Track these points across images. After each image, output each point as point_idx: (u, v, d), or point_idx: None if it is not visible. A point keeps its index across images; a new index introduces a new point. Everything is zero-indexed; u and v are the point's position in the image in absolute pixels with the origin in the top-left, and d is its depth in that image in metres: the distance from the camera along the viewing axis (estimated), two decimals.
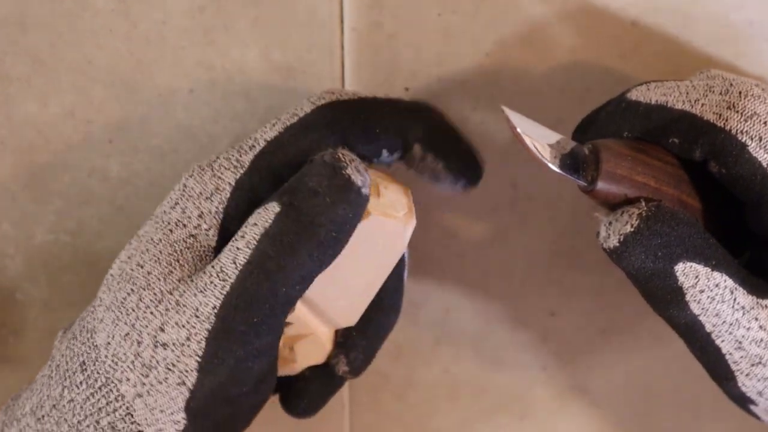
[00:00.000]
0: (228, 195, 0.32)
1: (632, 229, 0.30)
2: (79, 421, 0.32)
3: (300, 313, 0.34)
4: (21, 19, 0.37)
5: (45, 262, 0.42)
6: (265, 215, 0.30)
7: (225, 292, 0.30)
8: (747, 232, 0.34)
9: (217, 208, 0.32)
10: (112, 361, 0.32)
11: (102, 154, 0.40)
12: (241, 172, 0.32)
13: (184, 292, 0.31)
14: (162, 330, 0.31)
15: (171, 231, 0.33)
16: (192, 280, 0.31)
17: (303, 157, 0.32)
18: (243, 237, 0.30)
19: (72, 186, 0.40)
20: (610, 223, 0.31)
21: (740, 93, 0.32)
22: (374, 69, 0.38)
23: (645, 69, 0.38)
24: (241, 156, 0.33)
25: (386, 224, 0.32)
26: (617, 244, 0.30)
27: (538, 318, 0.45)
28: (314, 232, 0.30)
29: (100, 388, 0.32)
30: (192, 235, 0.32)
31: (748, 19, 0.36)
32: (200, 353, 0.30)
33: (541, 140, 0.31)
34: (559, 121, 0.39)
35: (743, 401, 0.34)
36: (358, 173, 0.30)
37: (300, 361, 0.36)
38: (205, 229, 0.32)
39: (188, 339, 0.30)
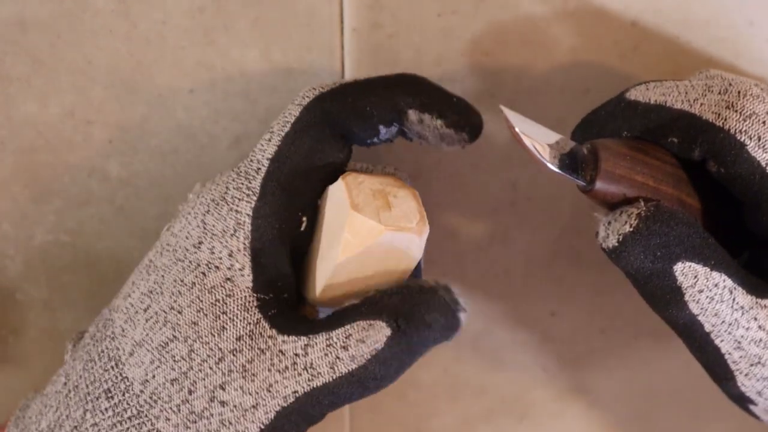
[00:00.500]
0: (250, 228, 0.32)
1: (631, 229, 0.30)
2: None
3: None
4: (21, 19, 0.37)
5: (45, 262, 0.42)
6: (374, 336, 0.30)
7: (314, 386, 0.31)
8: (745, 232, 0.34)
9: (244, 244, 0.32)
10: (150, 398, 0.32)
11: (102, 154, 0.40)
12: (255, 199, 0.32)
13: (253, 360, 0.31)
14: (222, 389, 0.31)
15: (204, 274, 0.32)
16: (260, 350, 0.31)
17: (308, 162, 0.33)
18: (345, 348, 0.30)
19: (72, 186, 0.40)
20: (609, 223, 0.31)
21: (739, 92, 0.32)
22: (374, 69, 0.38)
23: (645, 69, 0.38)
24: (250, 182, 0.33)
25: (401, 238, 0.32)
26: (616, 244, 0.31)
27: (538, 318, 0.45)
28: (414, 361, 0.31)
29: (129, 418, 0.32)
30: (228, 279, 0.32)
31: (748, 19, 0.36)
32: (266, 423, 0.31)
33: (540, 140, 0.31)
34: (559, 120, 0.39)
35: (743, 401, 0.34)
36: (465, 313, 0.31)
37: None
38: (239, 270, 0.32)
39: (255, 407, 0.31)
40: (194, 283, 0.32)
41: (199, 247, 0.32)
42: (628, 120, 0.33)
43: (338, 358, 0.31)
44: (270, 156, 0.33)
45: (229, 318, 0.31)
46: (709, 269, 0.31)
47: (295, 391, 0.31)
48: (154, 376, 0.32)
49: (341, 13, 0.37)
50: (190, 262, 0.32)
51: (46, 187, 0.41)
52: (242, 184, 0.33)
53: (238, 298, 0.32)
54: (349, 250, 0.31)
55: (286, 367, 0.31)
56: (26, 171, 0.40)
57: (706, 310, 0.31)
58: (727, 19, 0.36)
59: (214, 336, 0.31)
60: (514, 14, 0.37)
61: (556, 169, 0.31)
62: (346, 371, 0.30)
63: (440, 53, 0.38)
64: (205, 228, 0.33)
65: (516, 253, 0.43)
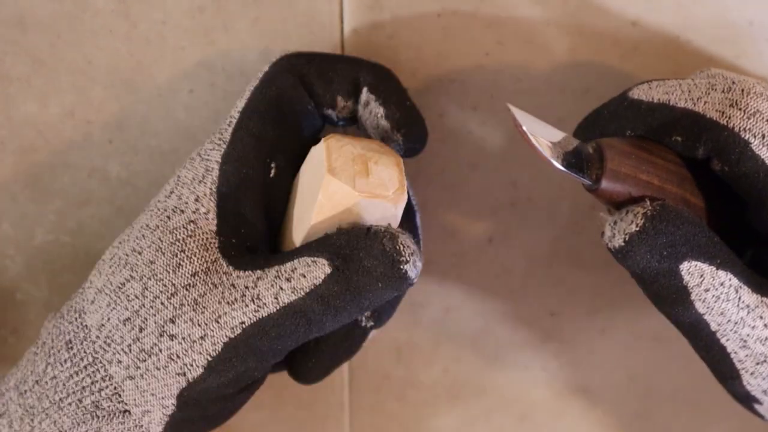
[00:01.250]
0: (217, 173, 0.33)
1: (638, 229, 0.30)
2: (61, 399, 0.33)
3: None
4: (21, 19, 0.37)
5: (45, 262, 0.43)
6: (315, 272, 0.31)
7: (259, 317, 0.31)
8: (748, 231, 0.34)
9: (211, 189, 0.33)
10: (104, 342, 0.32)
11: (102, 154, 0.40)
12: (224, 147, 0.34)
13: (205, 294, 0.32)
14: (172, 322, 0.31)
15: (168, 218, 0.33)
16: (213, 284, 0.32)
17: (276, 109, 0.34)
18: (289, 281, 0.31)
19: (72, 186, 0.40)
20: (615, 223, 0.31)
21: (743, 91, 0.32)
22: None
23: (645, 69, 0.38)
24: (222, 134, 0.34)
25: (375, 205, 0.32)
26: (622, 244, 0.30)
27: (538, 318, 0.45)
28: (359, 305, 0.31)
29: (85, 367, 0.33)
30: (191, 221, 0.33)
31: (748, 19, 0.36)
32: (213, 354, 0.31)
33: (546, 138, 0.31)
34: (559, 120, 0.39)
35: (748, 400, 0.34)
36: (414, 268, 0.31)
37: None
38: (204, 213, 0.33)
39: (203, 338, 0.31)
40: (157, 225, 0.33)
41: (169, 196, 0.34)
42: (631, 119, 0.33)
43: (281, 289, 0.31)
44: (240, 108, 0.34)
45: (187, 256, 0.32)
46: (715, 268, 0.31)
47: (242, 322, 0.31)
48: (108, 319, 0.32)
49: (341, 13, 0.37)
50: (158, 209, 0.33)
51: (46, 187, 0.41)
52: (215, 136, 0.34)
53: (198, 239, 0.32)
54: (322, 213, 0.32)
55: (235, 299, 0.31)
56: (26, 171, 0.40)
57: (713, 309, 0.31)
58: (727, 19, 0.36)
59: (169, 273, 0.32)
60: (514, 14, 0.37)
61: (562, 168, 0.31)
62: (288, 302, 0.31)
63: (440, 53, 0.38)
64: (178, 179, 0.34)
65: (516, 253, 0.43)
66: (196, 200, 0.33)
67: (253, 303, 0.31)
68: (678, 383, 0.47)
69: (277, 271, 0.31)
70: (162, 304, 0.32)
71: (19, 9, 0.37)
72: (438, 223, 0.42)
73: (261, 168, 0.34)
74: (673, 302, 0.31)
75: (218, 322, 0.31)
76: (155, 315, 0.32)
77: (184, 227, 0.33)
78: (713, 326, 0.32)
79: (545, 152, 0.30)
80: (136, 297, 0.32)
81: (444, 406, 0.48)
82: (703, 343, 0.32)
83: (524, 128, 0.30)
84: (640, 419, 0.49)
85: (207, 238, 0.32)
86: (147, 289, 0.32)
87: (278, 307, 0.31)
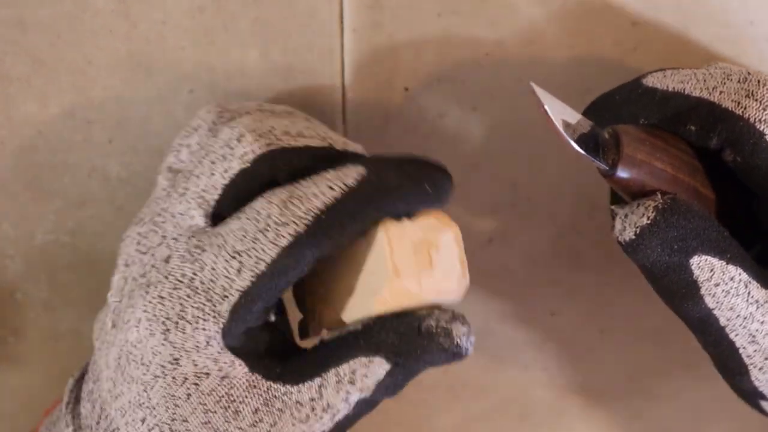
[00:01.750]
0: (222, 343, 0.31)
1: (649, 222, 0.30)
2: None
3: None
4: (21, 19, 0.37)
5: (45, 262, 0.42)
6: (376, 370, 0.31)
7: (336, 421, 0.31)
8: (757, 226, 0.34)
9: (220, 345, 0.31)
10: None
11: (102, 154, 0.40)
12: (223, 323, 0.31)
13: (276, 423, 0.31)
14: None
15: (197, 384, 0.31)
16: (279, 410, 0.31)
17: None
18: (353, 383, 0.31)
19: (72, 186, 0.40)
20: (626, 216, 0.31)
21: (759, 81, 0.31)
22: (374, 69, 0.38)
23: (645, 69, 0.38)
24: (215, 306, 0.31)
25: (441, 301, 0.32)
26: (633, 237, 0.30)
27: (538, 318, 0.45)
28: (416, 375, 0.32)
29: None
30: (223, 377, 0.31)
31: (748, 19, 0.36)
32: None
33: (567, 119, 0.31)
34: None
35: (755, 397, 0.34)
36: (470, 346, 0.32)
37: None
38: (229, 366, 0.31)
39: None
40: (189, 394, 0.31)
41: (178, 363, 0.31)
42: (645, 107, 0.33)
43: (348, 392, 0.31)
44: (240, 289, 0.30)
45: (240, 401, 0.31)
46: (725, 263, 0.31)
47: (323, 431, 0.31)
48: None
49: (341, 13, 0.37)
50: (173, 378, 0.31)
51: (46, 187, 0.41)
52: (205, 306, 0.31)
53: (240, 384, 0.31)
54: (383, 306, 0.31)
55: (307, 416, 0.31)
56: (26, 171, 0.40)
57: (722, 303, 0.31)
58: (727, 19, 0.36)
59: (230, 422, 0.31)
60: (514, 14, 0.37)
61: (581, 151, 0.30)
62: (358, 400, 0.31)
63: (440, 53, 0.38)
64: (174, 347, 0.31)
65: (516, 253, 0.43)
66: (215, 361, 0.31)
67: (326, 413, 0.31)
68: (678, 383, 0.47)
69: (336, 376, 0.31)
70: None
71: (19, 9, 0.37)
72: None
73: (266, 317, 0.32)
74: (683, 297, 0.31)
75: None
76: None
77: (219, 385, 0.31)
78: (722, 321, 0.31)
79: (565, 134, 0.30)
80: None
81: (444, 406, 0.48)
82: (712, 339, 0.32)
83: (546, 107, 0.30)
84: (640, 419, 0.49)
85: (248, 379, 0.31)
86: None
87: (350, 409, 0.31)
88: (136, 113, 0.39)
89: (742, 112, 0.31)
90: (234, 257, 0.30)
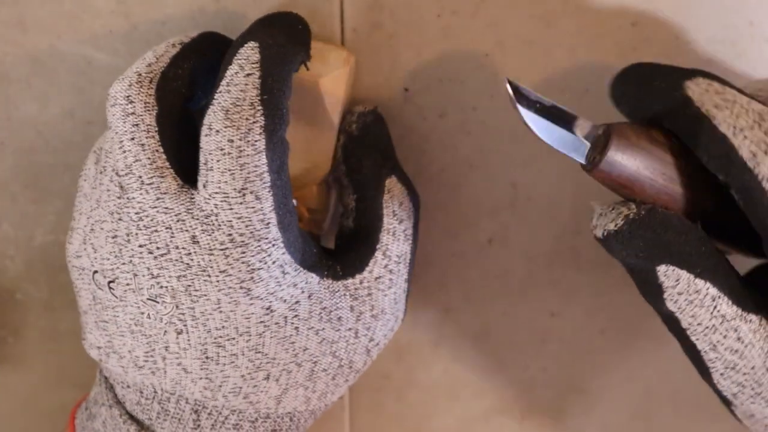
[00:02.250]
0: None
1: (615, 229, 0.31)
2: None
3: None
4: (21, 19, 0.37)
5: (45, 262, 0.42)
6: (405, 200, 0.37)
7: None
8: None
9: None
10: None
11: None
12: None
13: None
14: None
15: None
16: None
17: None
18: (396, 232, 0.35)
19: (72, 186, 0.40)
20: (599, 215, 0.32)
21: None
22: (374, 69, 0.38)
23: None
24: (266, 237, 0.33)
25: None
26: (601, 237, 0.32)
27: (538, 318, 0.45)
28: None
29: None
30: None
31: (748, 19, 0.36)
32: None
33: (546, 113, 0.31)
34: None
35: (723, 401, 0.34)
36: None
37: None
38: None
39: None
40: (297, 327, 0.34)
41: (271, 309, 0.33)
42: (674, 114, 0.32)
43: (400, 234, 0.36)
44: (269, 208, 0.33)
45: (334, 308, 0.34)
46: (693, 276, 0.31)
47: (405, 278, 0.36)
48: None
49: (341, 13, 0.37)
50: (276, 323, 0.33)
51: (46, 187, 0.41)
52: (260, 244, 0.33)
53: (324, 295, 0.34)
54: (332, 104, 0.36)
55: (390, 281, 0.35)
56: (26, 171, 0.40)
57: (684, 310, 0.32)
58: (727, 20, 0.36)
59: (340, 329, 0.34)
60: (514, 14, 0.37)
61: (553, 145, 0.31)
62: (407, 231, 0.36)
63: (440, 53, 0.38)
64: (261, 299, 0.33)
65: (516, 253, 0.43)
66: (295, 287, 0.33)
67: (400, 264, 0.36)
68: (678, 383, 0.47)
69: (380, 244, 0.35)
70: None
71: (19, 9, 0.37)
72: (438, 223, 0.42)
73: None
74: (648, 293, 0.32)
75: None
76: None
77: (312, 304, 0.34)
78: (684, 324, 0.32)
79: (535, 129, 0.31)
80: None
81: (444, 406, 0.48)
82: (677, 335, 0.33)
83: (517, 105, 0.30)
84: (640, 419, 0.49)
85: (326, 287, 0.34)
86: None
87: (410, 243, 0.36)
88: None
89: (755, 166, 0.30)
90: (243, 194, 0.31)
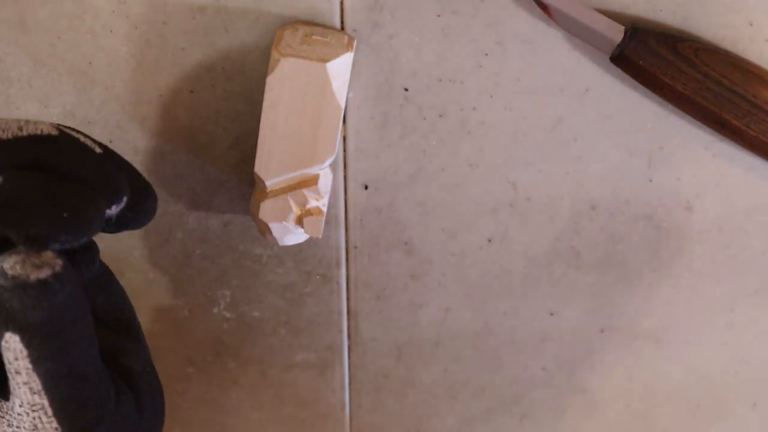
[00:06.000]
0: None
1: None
2: None
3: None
4: (21, 19, 0.37)
5: None
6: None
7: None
8: None
9: None
10: None
11: None
12: None
13: None
14: None
15: None
16: None
17: None
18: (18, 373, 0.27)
19: None
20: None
21: None
22: (374, 69, 0.38)
23: None
24: None
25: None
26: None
27: (538, 318, 0.45)
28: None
29: None
30: None
31: (747, 20, 0.36)
32: None
33: None
34: (559, 120, 0.39)
35: None
36: (36, 269, 0.26)
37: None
38: None
39: None
40: None
41: None
42: None
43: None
44: None
45: None
46: None
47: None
48: None
49: (341, 14, 0.37)
50: None
51: None
52: None
53: None
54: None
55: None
56: None
57: None
58: (727, 19, 0.36)
59: None
60: (513, 14, 0.37)
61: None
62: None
63: (440, 53, 0.38)
64: None
65: (516, 253, 0.43)
66: None
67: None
68: (678, 383, 0.47)
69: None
70: None
71: (20, 9, 0.37)
72: (438, 223, 0.42)
73: None
74: None
75: None
76: None
77: None
78: None
79: None
80: None
81: (444, 406, 0.48)
82: None
83: None
84: (640, 419, 0.49)
85: None
86: None
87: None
88: (136, 113, 0.39)
89: None
90: None
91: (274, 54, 0.35)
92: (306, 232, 0.38)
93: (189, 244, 0.43)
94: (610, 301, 0.44)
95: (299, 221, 0.38)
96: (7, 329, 0.26)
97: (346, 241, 0.43)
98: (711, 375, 0.45)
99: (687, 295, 0.43)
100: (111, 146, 0.40)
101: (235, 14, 0.37)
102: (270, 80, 0.35)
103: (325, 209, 0.38)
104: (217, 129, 0.39)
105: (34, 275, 0.25)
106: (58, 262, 0.26)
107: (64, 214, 0.27)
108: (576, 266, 0.43)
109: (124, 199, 0.30)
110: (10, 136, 0.28)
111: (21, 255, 0.26)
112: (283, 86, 0.35)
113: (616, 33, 0.35)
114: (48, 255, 0.26)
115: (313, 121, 0.36)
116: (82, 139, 0.29)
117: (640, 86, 0.36)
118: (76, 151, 0.29)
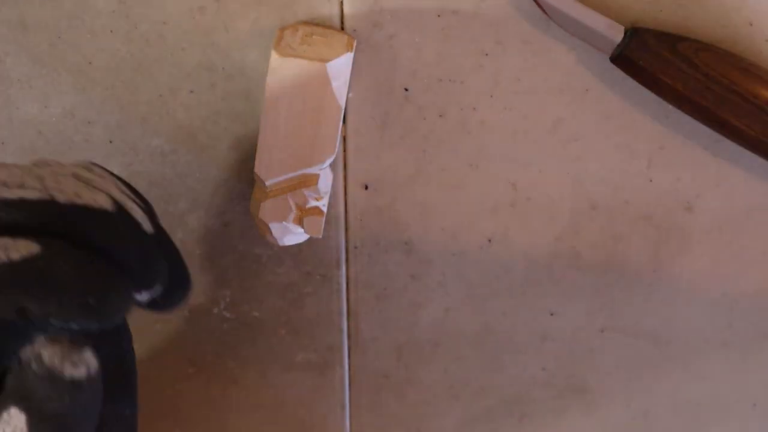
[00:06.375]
0: None
1: None
2: None
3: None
4: (21, 19, 0.37)
5: None
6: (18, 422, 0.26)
7: None
8: None
9: None
10: None
11: (102, 154, 0.40)
12: None
13: None
14: None
15: None
16: None
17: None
18: None
19: None
20: None
21: None
22: (374, 69, 0.38)
23: None
24: None
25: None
26: None
27: (538, 317, 0.45)
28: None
29: None
30: None
31: (748, 19, 0.36)
32: None
33: None
34: (559, 120, 0.39)
35: None
36: (73, 366, 0.26)
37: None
38: None
39: None
40: None
41: None
42: None
43: None
44: None
45: None
46: None
47: None
48: None
49: (341, 14, 0.37)
50: None
51: None
52: None
53: None
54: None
55: None
56: None
57: None
58: (727, 19, 0.36)
59: None
60: (513, 14, 0.37)
61: None
62: None
63: (440, 53, 0.38)
64: None
65: (516, 253, 0.43)
66: None
67: None
68: (678, 383, 0.47)
69: None
70: None
71: (20, 9, 0.37)
72: (438, 223, 0.42)
73: None
74: None
75: None
76: None
77: None
78: None
79: None
80: None
81: (444, 406, 0.48)
82: None
83: None
84: (640, 419, 0.49)
85: None
86: None
87: None
88: (136, 113, 0.39)
89: None
90: None
91: (274, 54, 0.35)
92: (306, 232, 0.38)
93: (189, 244, 0.43)
94: (610, 301, 0.44)
95: (299, 221, 0.38)
96: (17, 405, 0.25)
97: (346, 241, 0.43)
98: (711, 375, 0.45)
99: (687, 295, 0.43)
100: (111, 146, 0.40)
101: (235, 14, 0.37)
102: (270, 80, 0.35)
103: (325, 209, 0.38)
104: (217, 129, 0.39)
105: (69, 372, 0.25)
106: (94, 364, 0.26)
107: (90, 301, 0.26)
108: (576, 266, 0.43)
109: (159, 289, 0.29)
110: (65, 200, 0.27)
111: (63, 347, 0.25)
112: (283, 86, 0.35)
113: (616, 33, 0.35)
114: (88, 354, 0.26)
115: (313, 122, 0.36)
116: (138, 216, 0.28)
117: (640, 86, 0.36)
118: (127, 233, 0.28)
